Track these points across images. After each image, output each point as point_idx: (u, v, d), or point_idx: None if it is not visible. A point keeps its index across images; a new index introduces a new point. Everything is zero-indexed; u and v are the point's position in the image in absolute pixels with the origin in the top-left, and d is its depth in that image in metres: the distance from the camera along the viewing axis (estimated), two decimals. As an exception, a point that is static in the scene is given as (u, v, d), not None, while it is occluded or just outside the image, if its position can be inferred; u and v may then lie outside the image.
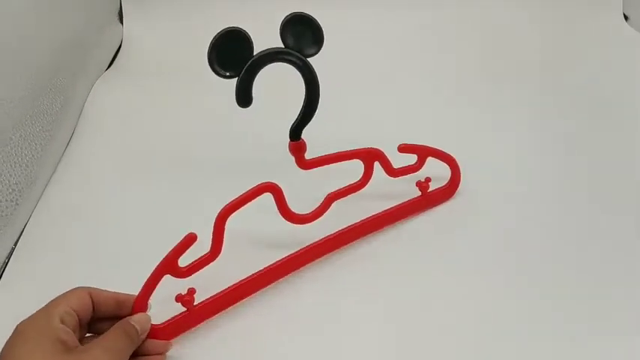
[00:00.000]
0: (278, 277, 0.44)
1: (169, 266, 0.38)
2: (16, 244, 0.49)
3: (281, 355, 0.41)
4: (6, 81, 0.50)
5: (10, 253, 0.48)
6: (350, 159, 0.45)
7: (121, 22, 0.77)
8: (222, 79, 0.38)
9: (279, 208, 0.43)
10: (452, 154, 0.50)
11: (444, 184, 0.51)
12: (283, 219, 0.43)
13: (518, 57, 0.74)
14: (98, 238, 0.49)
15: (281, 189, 0.42)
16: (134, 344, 0.36)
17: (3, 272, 0.47)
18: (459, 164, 0.51)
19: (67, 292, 0.35)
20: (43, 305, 0.35)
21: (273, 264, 0.44)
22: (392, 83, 0.69)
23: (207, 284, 0.41)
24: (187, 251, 0.38)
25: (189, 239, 0.38)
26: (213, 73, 0.38)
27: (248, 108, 0.39)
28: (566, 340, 0.41)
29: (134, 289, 0.38)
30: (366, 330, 0.42)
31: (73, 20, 0.64)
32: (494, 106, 0.66)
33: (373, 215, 0.48)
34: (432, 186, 0.51)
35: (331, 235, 0.46)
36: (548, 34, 0.77)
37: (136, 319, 0.36)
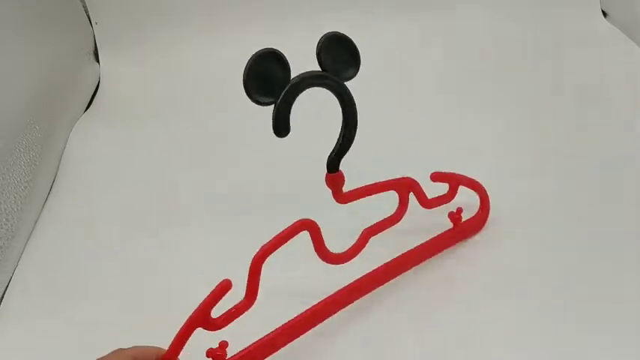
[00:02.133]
0: (312, 325, 0.43)
1: (202, 318, 0.36)
2: (1, 298, 0.50)
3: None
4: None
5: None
6: (386, 190, 0.44)
7: (97, 61, 0.78)
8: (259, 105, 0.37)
9: (315, 247, 0.41)
10: (478, 181, 0.50)
11: (473, 213, 0.51)
12: (319, 258, 0.42)
13: (500, 60, 0.76)
14: (85, 288, 0.50)
15: (318, 226, 0.41)
16: None
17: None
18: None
19: (109, 355, 0.35)
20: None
21: (307, 311, 0.42)
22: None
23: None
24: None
25: (224, 287, 0.36)
26: (250, 100, 0.36)
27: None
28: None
29: (124, 338, 0.37)
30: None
31: (46, 64, 0.65)
32: (487, 112, 0.67)
33: (407, 252, 0.47)
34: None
35: (366, 275, 0.45)
36: (529, 33, 0.80)
37: None
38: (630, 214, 0.53)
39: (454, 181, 0.48)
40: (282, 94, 0.36)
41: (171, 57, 0.76)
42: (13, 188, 0.54)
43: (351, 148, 0.41)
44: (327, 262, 0.42)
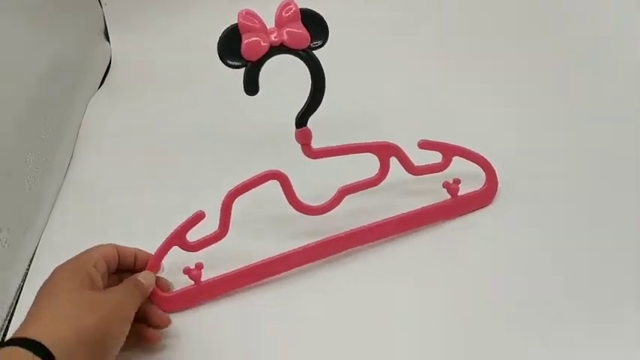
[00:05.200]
0: (286, 269, 0.51)
1: (178, 238, 0.48)
2: (29, 267, 0.58)
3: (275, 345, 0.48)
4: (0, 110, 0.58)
5: (25, 276, 0.57)
6: (362, 152, 0.51)
7: (108, 41, 0.87)
8: (231, 69, 0.47)
9: (287, 197, 0.50)
10: (482, 154, 0.54)
11: (479, 187, 0.55)
12: (293, 209, 0.51)
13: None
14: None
15: (287, 177, 0.50)
16: (143, 295, 0.47)
17: (20, 295, 0.55)
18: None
19: (98, 245, 0.47)
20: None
21: (282, 254, 0.51)
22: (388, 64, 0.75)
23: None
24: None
25: (198, 216, 0.48)
26: (222, 64, 0.46)
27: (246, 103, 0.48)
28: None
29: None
30: (362, 334, 0.48)
31: (59, 44, 0.73)
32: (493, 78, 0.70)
33: (396, 216, 0.53)
34: (463, 189, 0.55)
35: (349, 231, 0.52)
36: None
37: (142, 275, 0.48)
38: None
39: (448, 151, 0.53)
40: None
41: (177, 33, 0.84)
42: (35, 160, 0.62)
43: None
44: (299, 211, 0.51)
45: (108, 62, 0.85)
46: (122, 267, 0.49)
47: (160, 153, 0.68)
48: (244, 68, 0.46)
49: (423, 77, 0.71)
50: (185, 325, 0.50)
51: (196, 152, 0.67)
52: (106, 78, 0.83)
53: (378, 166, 0.52)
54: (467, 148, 0.54)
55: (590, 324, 0.47)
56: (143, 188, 0.63)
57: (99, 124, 0.74)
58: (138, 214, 0.60)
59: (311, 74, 0.48)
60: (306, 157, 0.50)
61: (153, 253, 0.49)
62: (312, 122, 0.49)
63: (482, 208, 0.56)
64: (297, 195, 0.51)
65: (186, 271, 0.50)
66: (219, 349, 0.49)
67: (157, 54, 0.83)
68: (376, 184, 0.52)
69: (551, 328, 0.47)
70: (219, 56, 0.46)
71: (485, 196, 0.55)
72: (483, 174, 0.55)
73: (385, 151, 0.52)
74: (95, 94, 0.79)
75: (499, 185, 0.56)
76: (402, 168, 0.53)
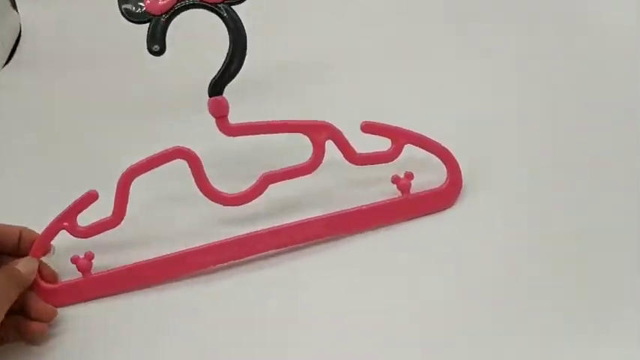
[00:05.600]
0: (192, 269, 0.44)
1: (67, 221, 0.42)
2: None
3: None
4: None
5: None
6: (291, 132, 0.43)
7: (16, 9, 0.78)
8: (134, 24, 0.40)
9: (196, 181, 0.43)
10: (443, 143, 0.46)
11: (438, 184, 0.47)
12: (204, 196, 0.43)
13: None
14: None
15: (198, 157, 0.42)
16: (20, 286, 0.40)
17: None
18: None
19: None
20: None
21: (187, 250, 0.43)
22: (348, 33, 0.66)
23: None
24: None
25: (90, 196, 0.42)
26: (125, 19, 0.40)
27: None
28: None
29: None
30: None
31: None
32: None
33: (328, 214, 0.45)
34: (419, 186, 0.46)
35: (268, 229, 0.44)
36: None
37: (21, 262, 0.42)
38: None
39: (399, 137, 0.45)
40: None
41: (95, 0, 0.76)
42: None
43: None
44: (211, 199, 0.43)
45: (17, 35, 0.77)
46: (2, 249, 0.43)
47: (68, 132, 0.61)
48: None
49: (374, 45, 0.63)
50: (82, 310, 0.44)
51: (107, 128, 0.60)
52: (15, 53, 0.75)
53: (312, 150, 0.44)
54: (423, 134, 0.46)
55: (589, 324, 0.41)
56: (46, 169, 0.57)
57: (3, 105, 0.66)
58: (39, 198, 0.53)
59: (229, 33, 0.41)
60: (222, 134, 0.43)
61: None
62: (231, 91, 0.42)
63: (442, 209, 0.47)
64: (210, 180, 0.43)
65: (74, 260, 0.43)
66: (120, 339, 0.42)
67: (73, 25, 0.76)
68: (308, 173, 0.44)
69: (548, 329, 0.40)
70: (119, 8, 0.40)
71: (445, 196, 0.47)
72: (444, 168, 0.47)
73: (319, 133, 0.43)
74: (0, 71, 0.72)
75: (464, 182, 0.47)
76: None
